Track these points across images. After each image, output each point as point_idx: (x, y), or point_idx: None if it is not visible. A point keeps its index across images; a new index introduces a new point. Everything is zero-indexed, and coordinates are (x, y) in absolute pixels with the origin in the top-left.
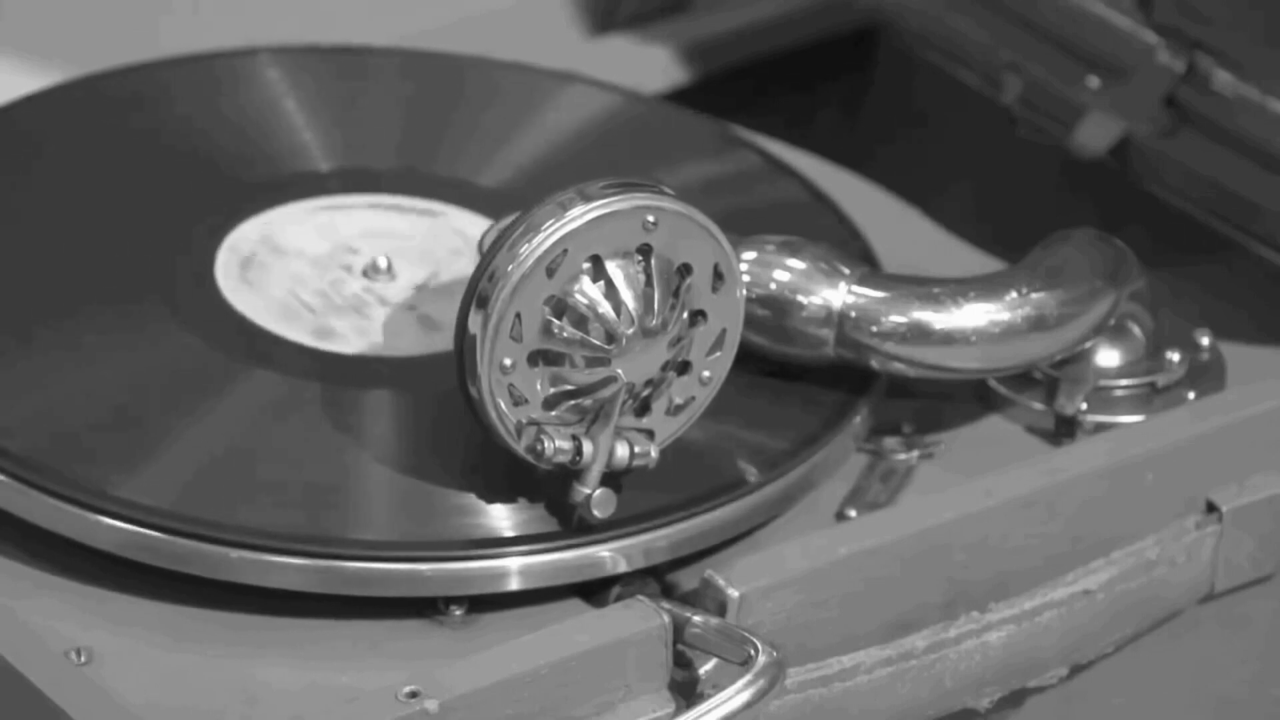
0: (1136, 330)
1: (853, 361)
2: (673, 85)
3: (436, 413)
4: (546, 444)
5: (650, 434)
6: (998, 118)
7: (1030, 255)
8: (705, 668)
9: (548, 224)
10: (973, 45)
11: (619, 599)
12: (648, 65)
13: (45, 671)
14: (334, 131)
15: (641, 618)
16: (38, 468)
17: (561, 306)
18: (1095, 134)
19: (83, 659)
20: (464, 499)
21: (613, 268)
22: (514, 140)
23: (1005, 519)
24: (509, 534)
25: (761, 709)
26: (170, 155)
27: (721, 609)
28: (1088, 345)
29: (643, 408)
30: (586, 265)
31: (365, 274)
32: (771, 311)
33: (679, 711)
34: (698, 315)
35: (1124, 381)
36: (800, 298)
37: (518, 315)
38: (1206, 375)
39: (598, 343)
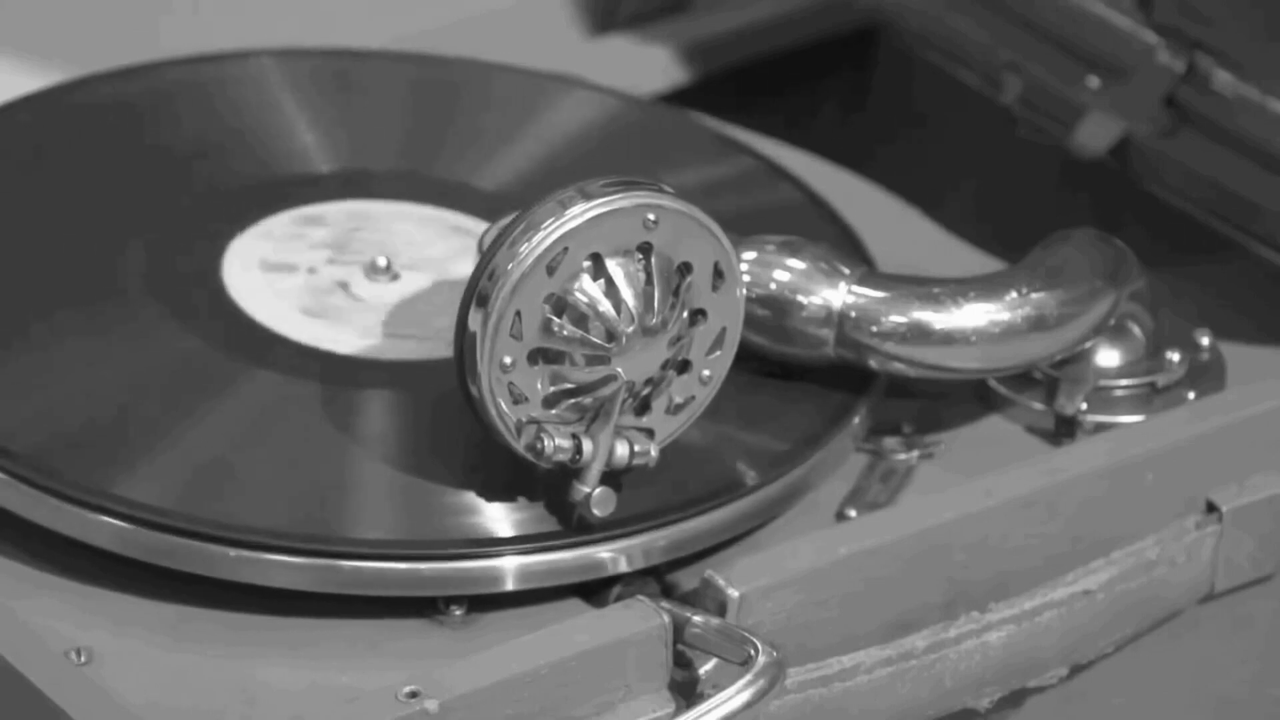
0: (1136, 330)
1: (853, 361)
2: (673, 85)
3: (436, 412)
4: (546, 442)
5: (650, 433)
6: (998, 118)
7: (1030, 255)
8: (705, 668)
9: (548, 222)
10: (973, 45)
11: (619, 599)
12: (648, 65)
13: (45, 671)
14: (334, 134)
15: (641, 618)
16: (38, 467)
17: (562, 305)
18: (1095, 134)
19: (83, 659)
20: (463, 499)
21: (613, 266)
22: (514, 143)
23: (1005, 519)
24: (509, 534)
25: (761, 709)
26: (169, 156)
27: (721, 609)
28: (1088, 345)
29: (643, 406)
30: (587, 263)
31: (366, 274)
32: (771, 311)
33: (679, 711)
34: (698, 314)
35: (1124, 381)
36: (800, 298)
37: (518, 313)
38: (1206, 375)
39: (598, 341)
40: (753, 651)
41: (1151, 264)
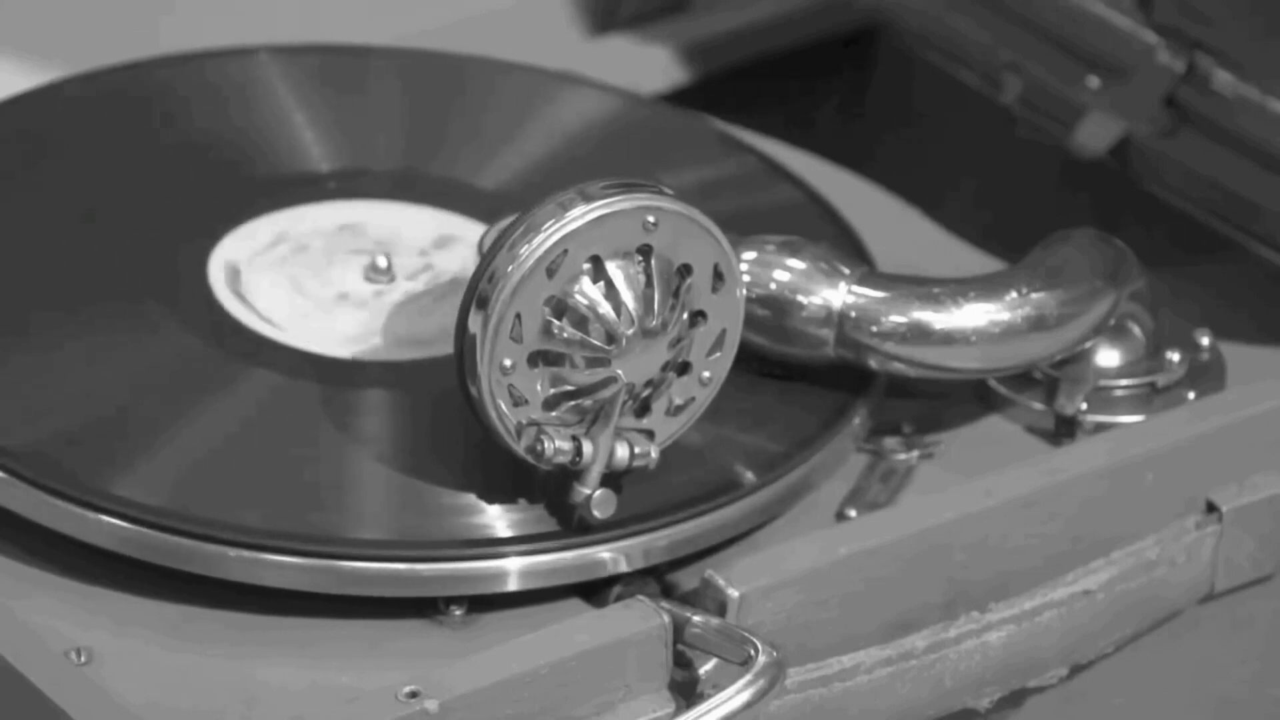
0: (1136, 330)
1: (852, 361)
2: (673, 85)
3: (436, 413)
4: (546, 444)
5: (650, 434)
6: (998, 118)
7: (1030, 255)
8: (705, 668)
9: (548, 224)
10: (973, 45)
11: (619, 599)
12: (648, 65)
13: (45, 671)
14: (334, 132)
15: (641, 618)
16: (38, 466)
17: (561, 307)
18: (1095, 134)
19: (83, 659)
20: (463, 499)
21: (613, 268)
22: (514, 141)
23: (1005, 519)
24: (509, 534)
25: (761, 709)
26: (169, 154)
27: (721, 609)
28: (1088, 345)
29: (643, 408)
30: (586, 265)
31: (365, 274)
32: (771, 311)
33: (679, 711)
34: (698, 315)
35: (1124, 381)
36: (800, 298)
37: (518, 316)
38: (1206, 375)
39: (598, 343)
40: (753, 651)
41: (1151, 264)
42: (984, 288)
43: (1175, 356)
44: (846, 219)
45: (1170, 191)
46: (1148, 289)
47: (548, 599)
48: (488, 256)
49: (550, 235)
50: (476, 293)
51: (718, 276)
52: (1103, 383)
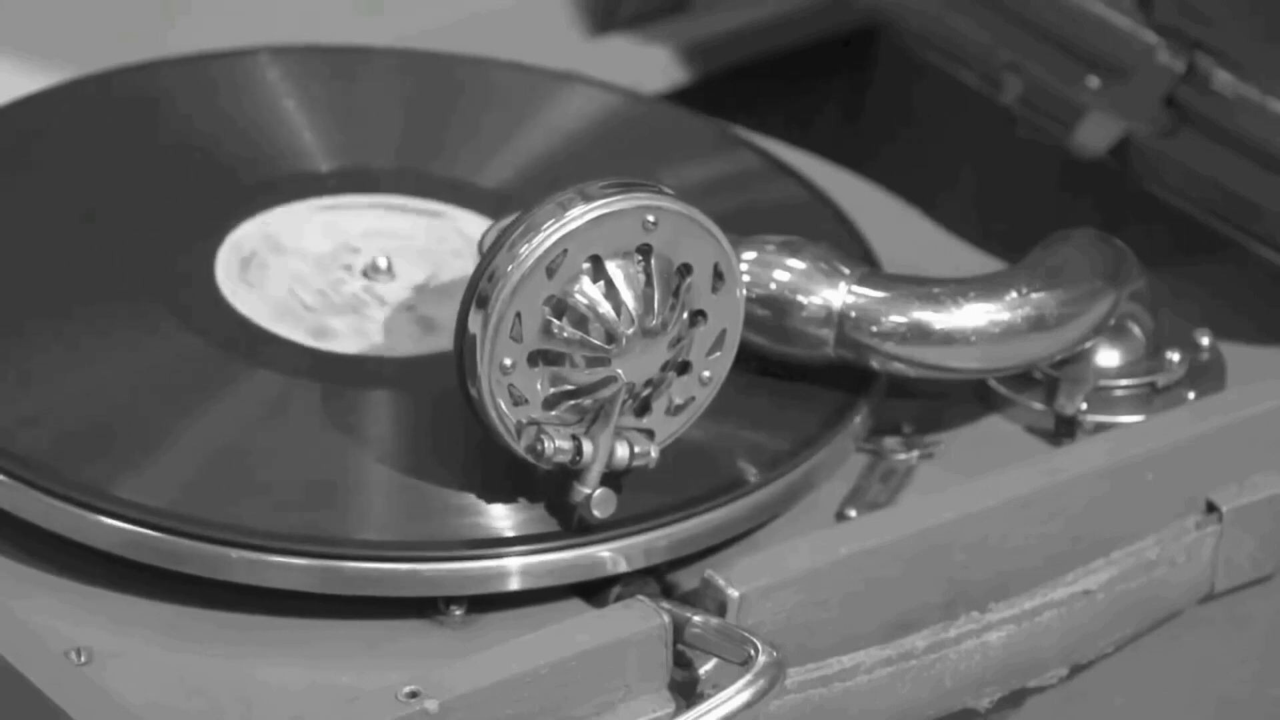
0: (1136, 330)
1: (853, 361)
2: (673, 85)
3: (436, 413)
4: (546, 444)
5: (650, 434)
6: (998, 118)
7: (1030, 255)
8: (705, 668)
9: (548, 224)
10: (973, 45)
11: (619, 599)
12: (648, 65)
13: (45, 671)
14: (334, 131)
15: (641, 618)
16: (38, 467)
17: (561, 306)
18: (1095, 134)
19: (83, 659)
20: (464, 499)
21: (613, 268)
22: (514, 140)
23: (1005, 519)
24: (509, 534)
25: (761, 709)
26: (169, 155)
27: (721, 609)
28: (1088, 345)
29: (643, 408)
30: (586, 265)
31: (365, 274)
32: (771, 311)
33: (679, 711)
34: (698, 315)
35: (1124, 381)
36: (800, 298)
37: (518, 315)
38: (1206, 375)
39: (598, 343)
40: (753, 651)
41: (1151, 264)
42: (984, 288)
43: (1175, 356)
44: (849, 217)
45: (1170, 191)
46: (1148, 289)
47: (548, 599)
48: (488, 256)
49: (550, 235)
50: (476, 292)
51: (718, 276)
52: (1103, 383)
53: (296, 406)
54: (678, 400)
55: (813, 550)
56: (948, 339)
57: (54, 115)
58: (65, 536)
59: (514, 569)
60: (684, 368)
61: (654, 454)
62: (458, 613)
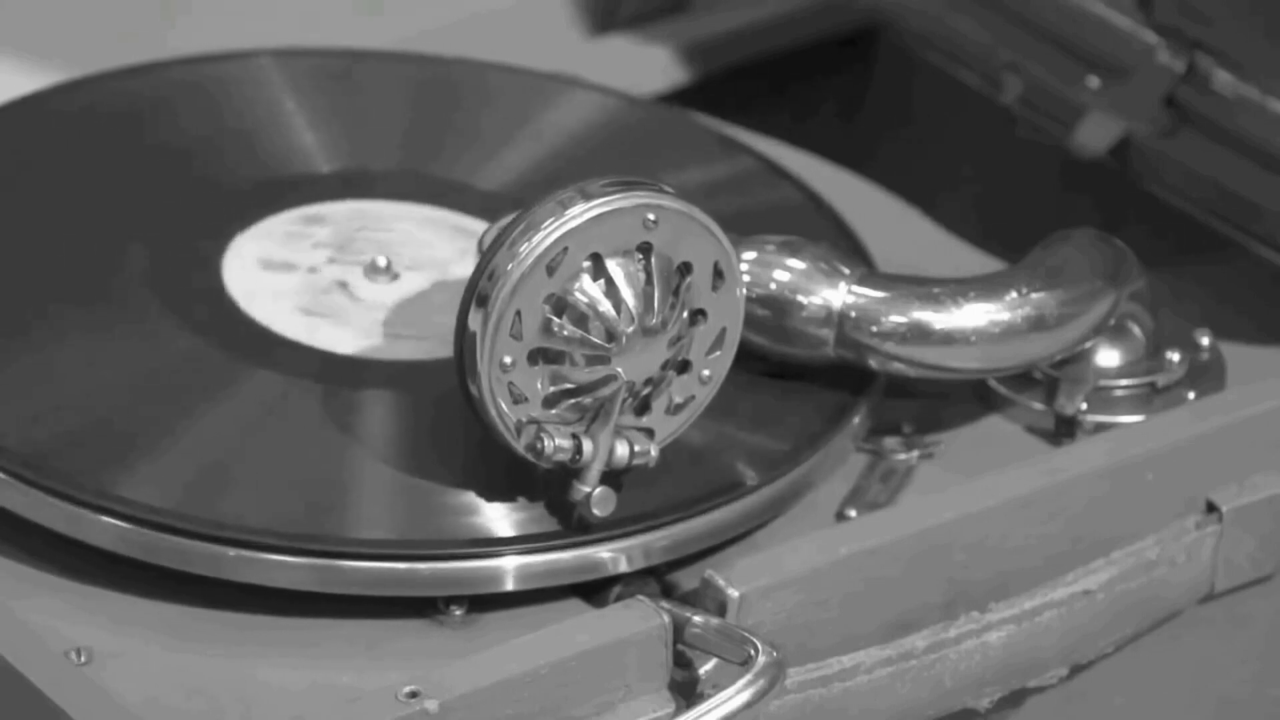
0: (1136, 330)
1: (853, 361)
2: (673, 85)
3: (436, 413)
4: (546, 442)
5: (650, 433)
6: (998, 118)
7: (1030, 255)
8: (705, 668)
9: (548, 222)
10: (973, 45)
11: (619, 599)
12: (648, 65)
13: (45, 671)
14: (334, 133)
15: (641, 618)
16: (38, 466)
17: (561, 305)
18: (1095, 134)
19: (83, 659)
20: (463, 499)
21: (613, 266)
22: (514, 143)
23: (1005, 519)
24: (509, 534)
25: (761, 709)
26: (170, 156)
27: (721, 609)
28: (1088, 345)
29: (643, 406)
30: (587, 263)
31: (366, 274)
32: (771, 311)
33: (679, 711)
34: (698, 314)
35: (1124, 381)
36: (800, 298)
37: (518, 313)
38: (1206, 375)
39: (598, 341)
40: (753, 651)
41: (1151, 264)
42: (984, 288)
43: (1175, 356)
44: (846, 219)
45: (1170, 191)
46: (1148, 289)
47: (548, 599)
48: (488, 254)
49: (550, 233)
50: (476, 291)
51: (718, 275)
52: (1103, 383)
53: (297, 406)
54: (678, 399)
55: (813, 550)
56: (948, 339)
57: (54, 115)
58: (65, 536)
59: (514, 569)
60: (684, 366)
61: (654, 453)
62: (458, 613)
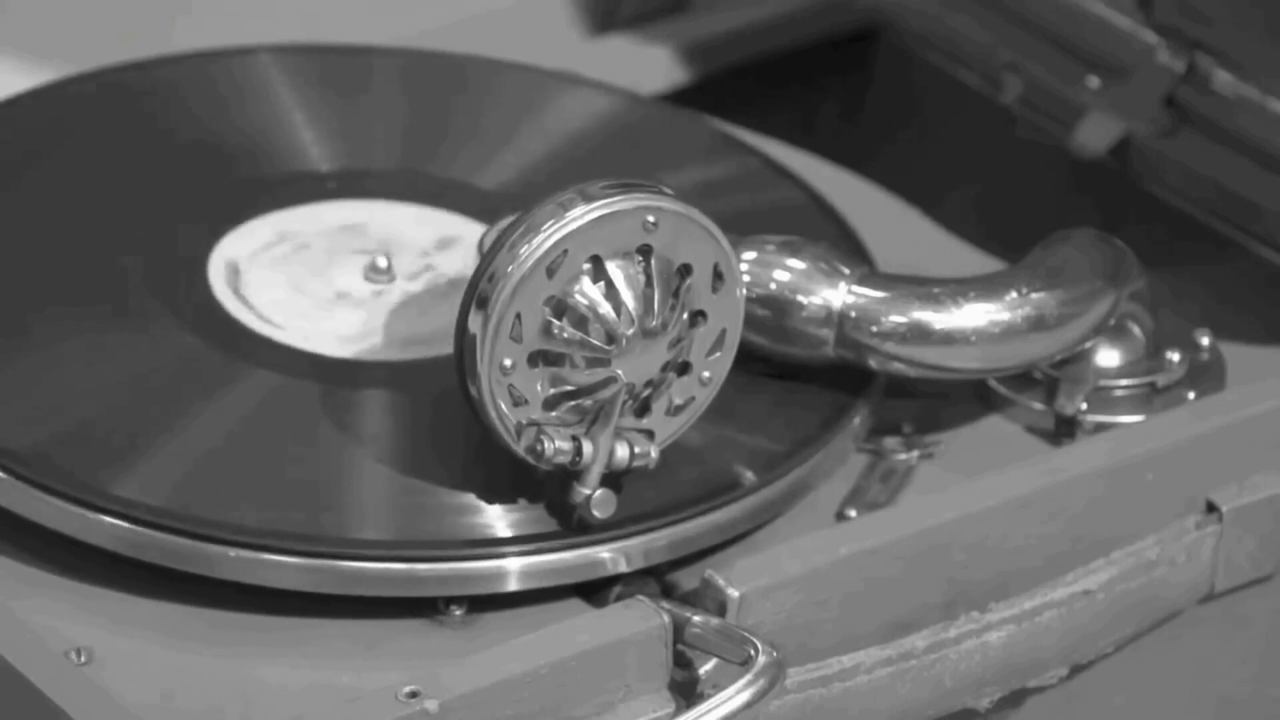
0: (1136, 330)
1: (853, 361)
2: (673, 85)
3: (435, 413)
4: (546, 444)
5: (650, 434)
6: (998, 118)
7: (1030, 255)
8: (705, 668)
9: (548, 224)
10: (973, 45)
11: (619, 599)
12: (648, 65)
13: (45, 671)
14: (334, 131)
15: (641, 618)
16: (37, 466)
17: (561, 307)
18: (1095, 134)
19: (83, 659)
20: (463, 499)
21: (613, 268)
22: (514, 141)
23: (1005, 519)
24: (509, 534)
25: (761, 709)
26: (169, 154)
27: (721, 609)
28: (1088, 345)
29: (643, 408)
30: (586, 266)
31: (365, 274)
32: (771, 311)
33: (679, 711)
34: (698, 315)
35: (1124, 381)
36: (800, 298)
37: (518, 316)
38: (1206, 375)
39: (598, 343)
40: (753, 651)
41: (1151, 264)
42: (984, 288)
43: (1175, 356)
44: (846, 219)
45: (1170, 191)
46: (1148, 289)
47: (548, 599)
48: (488, 256)
49: (550, 235)
50: (476, 292)
51: (718, 276)
52: (1103, 383)
53: (296, 406)
54: (678, 401)
55: (813, 550)
56: (948, 339)
57: (53, 113)
58: (65, 535)
59: (514, 569)
60: (684, 368)
61: (654, 454)
62: (458, 613)
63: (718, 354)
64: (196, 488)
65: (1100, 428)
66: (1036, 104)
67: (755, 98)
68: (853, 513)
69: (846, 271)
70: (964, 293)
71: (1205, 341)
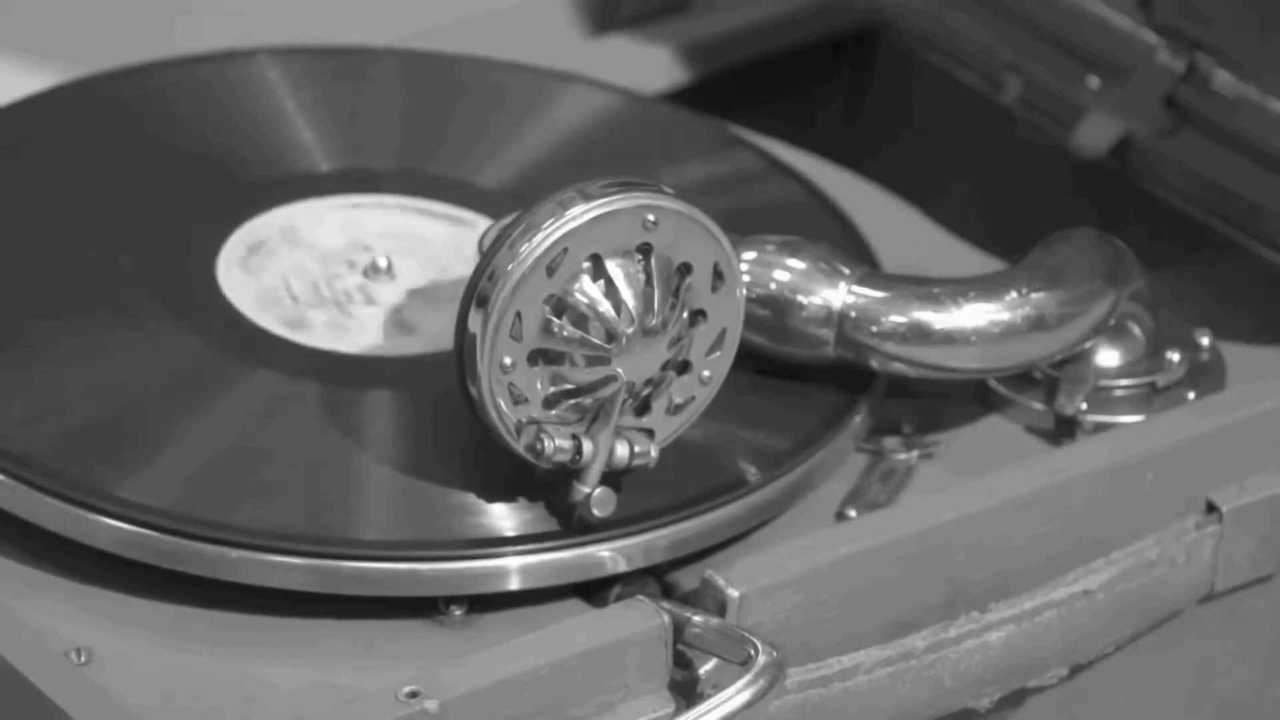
0: (1136, 330)
1: (853, 361)
2: (673, 85)
3: (436, 413)
4: (546, 443)
5: (650, 433)
6: (998, 118)
7: (1030, 255)
8: (705, 668)
9: (548, 223)
10: (973, 45)
11: (619, 599)
12: (648, 65)
13: (45, 671)
14: (334, 132)
15: (641, 618)
16: (37, 467)
17: (561, 305)
18: (1095, 134)
19: (83, 659)
20: (464, 499)
21: (613, 267)
22: (514, 141)
23: (1005, 519)
24: (509, 534)
25: (761, 709)
26: (169, 156)
27: (721, 609)
28: (1088, 345)
29: (643, 407)
30: (587, 264)
31: (366, 273)
32: (771, 311)
33: (679, 711)
34: (698, 315)
35: (1124, 381)
36: (800, 298)
37: (518, 314)
38: (1206, 375)
39: (598, 342)
40: (753, 651)
41: (1151, 264)
42: (984, 288)
43: (1175, 356)
44: (849, 217)
45: (1170, 191)
46: (1148, 289)
47: (548, 599)
48: (488, 255)
49: (550, 234)
50: (476, 291)
51: (718, 275)
52: (1103, 383)
53: (296, 406)
54: (678, 400)
55: (813, 550)
56: (948, 339)
57: (55, 116)
58: (65, 536)
59: (514, 569)
60: (684, 367)
61: (654, 453)
62: (458, 613)
63: (718, 353)
64: (197, 489)
65: (1100, 428)
66: (1036, 104)
67: (755, 98)
68: (853, 513)
69: (846, 271)
70: (964, 293)
71: (1205, 341)
